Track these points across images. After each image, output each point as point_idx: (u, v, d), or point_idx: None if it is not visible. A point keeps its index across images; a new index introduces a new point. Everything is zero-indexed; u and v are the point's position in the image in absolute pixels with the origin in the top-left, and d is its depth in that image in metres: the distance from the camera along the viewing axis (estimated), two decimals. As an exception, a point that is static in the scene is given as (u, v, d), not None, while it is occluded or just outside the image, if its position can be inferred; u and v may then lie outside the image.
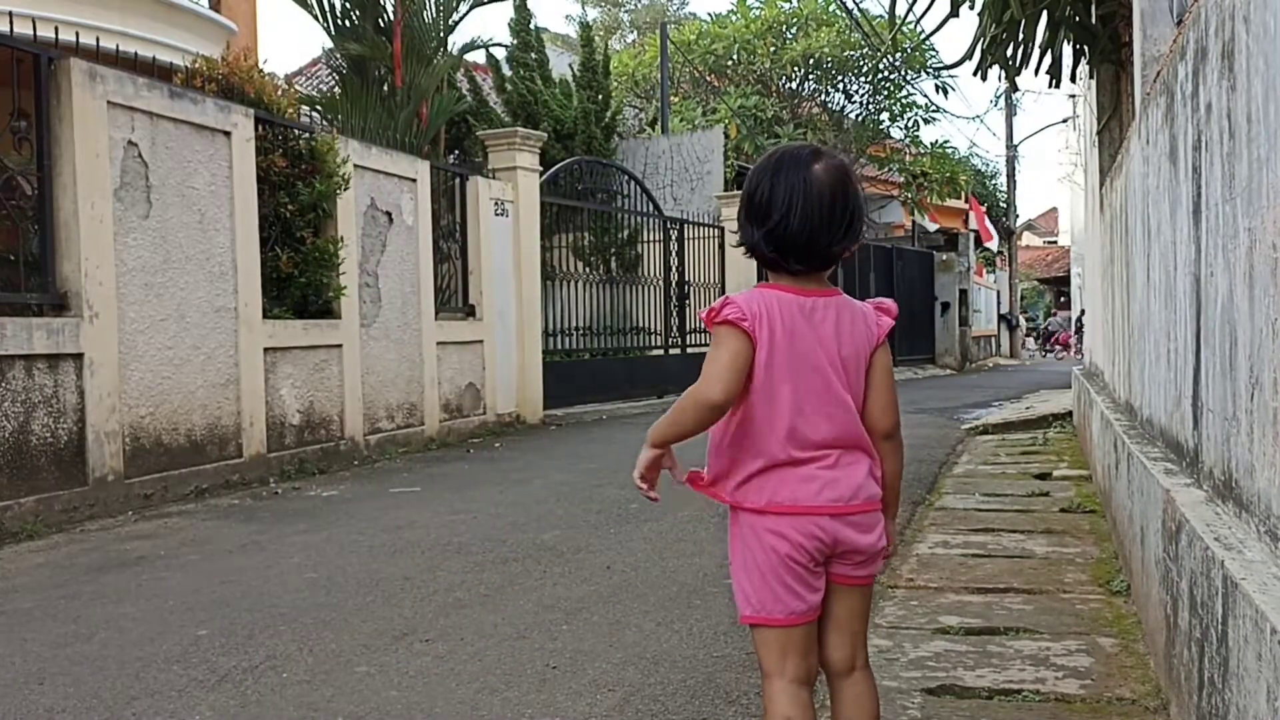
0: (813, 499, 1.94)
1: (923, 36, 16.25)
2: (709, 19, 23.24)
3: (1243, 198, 2.09)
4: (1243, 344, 2.12)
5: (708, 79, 22.52)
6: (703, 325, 1.99)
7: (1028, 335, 38.23)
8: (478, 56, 16.26)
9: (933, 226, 24.16)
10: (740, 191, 2.05)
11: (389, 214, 8.95)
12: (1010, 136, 30.38)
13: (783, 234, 1.94)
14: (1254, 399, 2.01)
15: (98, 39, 6.95)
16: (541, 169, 11.59)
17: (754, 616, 1.98)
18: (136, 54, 7.16)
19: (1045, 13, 6.19)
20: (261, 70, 8.15)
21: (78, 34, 6.40)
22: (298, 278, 7.72)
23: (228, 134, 7.08)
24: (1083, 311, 13.56)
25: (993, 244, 29.25)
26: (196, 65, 7.64)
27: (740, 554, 1.99)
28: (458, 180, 10.30)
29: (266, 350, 7.40)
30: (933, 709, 2.77)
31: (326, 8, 10.67)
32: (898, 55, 18.17)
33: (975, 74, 7.02)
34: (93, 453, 5.99)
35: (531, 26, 16.28)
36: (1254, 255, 2.00)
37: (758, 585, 1.96)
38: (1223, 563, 1.91)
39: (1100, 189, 6.92)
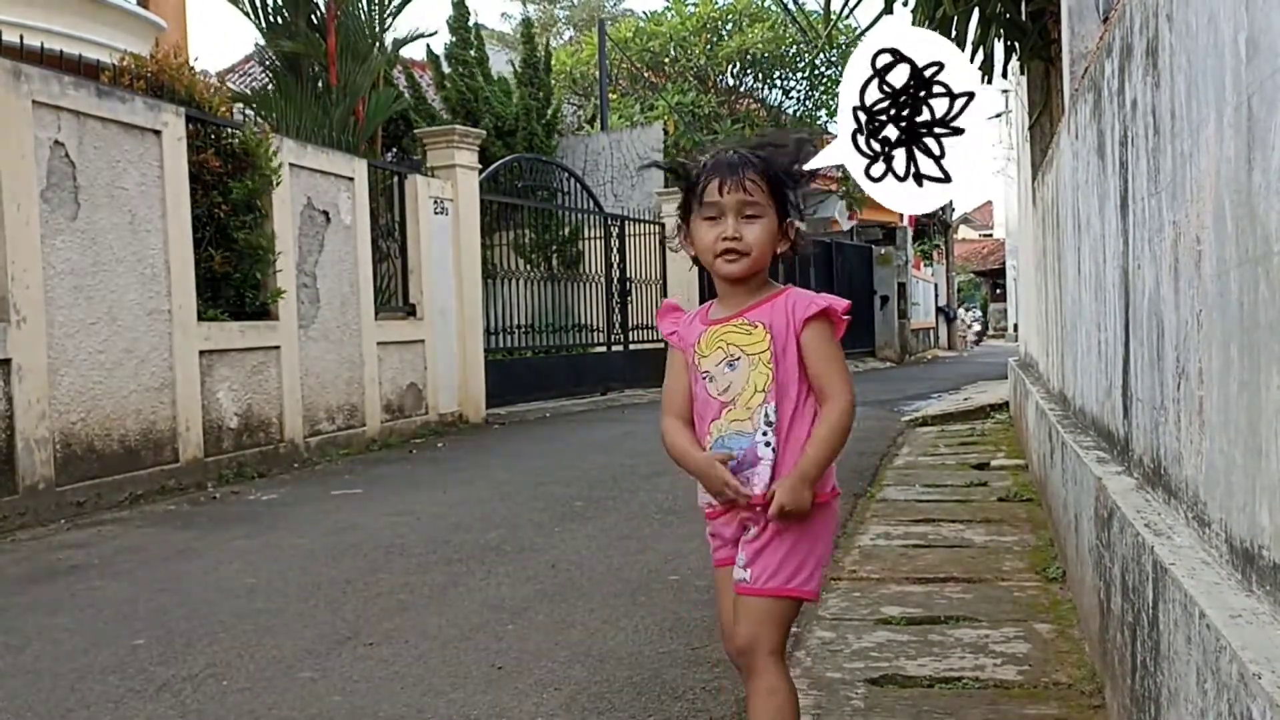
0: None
1: (858, 33, 16.39)
2: (645, 16, 23.26)
3: (1168, 192, 2.14)
4: (1169, 335, 2.17)
5: (645, 75, 22.53)
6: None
7: (979, 329, 38.67)
8: (417, 52, 16.10)
9: (848, 225, 24.12)
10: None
11: (326, 213, 8.84)
12: (945, 131, 30.63)
13: None
14: (1180, 388, 2.06)
15: (21, 36, 6.76)
16: (481, 166, 11.52)
17: (814, 593, 2.07)
18: (62, 52, 6.99)
19: (976, 9, 6.27)
20: (192, 68, 8.00)
21: (0, 31, 6.24)
22: (233, 275, 7.60)
23: (158, 133, 6.94)
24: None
25: (915, 245, 29.46)
26: (124, 63, 7.48)
27: (827, 539, 2.09)
28: (396, 179, 10.20)
29: (202, 353, 7.27)
30: (876, 699, 2.81)
31: (258, 4, 10.51)
32: (833, 51, 18.32)
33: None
34: (22, 460, 5.84)
35: (470, 24, 16.17)
36: (1179, 248, 2.05)
37: (825, 565, 2.08)
38: (1153, 548, 1.96)
39: (1032, 183, 7.04)
